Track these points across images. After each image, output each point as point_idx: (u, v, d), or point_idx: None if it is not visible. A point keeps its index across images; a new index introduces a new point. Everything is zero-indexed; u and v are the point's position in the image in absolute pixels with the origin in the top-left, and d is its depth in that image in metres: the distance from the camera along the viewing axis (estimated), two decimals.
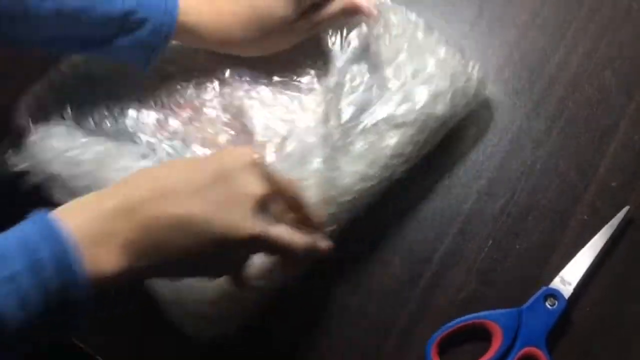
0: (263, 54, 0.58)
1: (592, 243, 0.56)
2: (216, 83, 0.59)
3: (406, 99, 0.55)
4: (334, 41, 0.58)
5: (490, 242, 0.58)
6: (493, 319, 0.54)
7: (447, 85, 0.55)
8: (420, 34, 0.58)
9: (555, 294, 0.54)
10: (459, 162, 0.61)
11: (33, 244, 0.37)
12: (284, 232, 0.44)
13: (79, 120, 0.56)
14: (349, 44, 0.57)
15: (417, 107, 0.55)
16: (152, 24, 0.51)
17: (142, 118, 0.57)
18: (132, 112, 0.57)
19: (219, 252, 0.41)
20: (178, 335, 0.51)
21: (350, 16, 0.57)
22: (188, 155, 0.56)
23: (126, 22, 0.51)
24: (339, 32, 0.58)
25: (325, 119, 0.54)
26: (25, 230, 0.38)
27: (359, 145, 0.54)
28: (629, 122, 0.60)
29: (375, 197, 0.56)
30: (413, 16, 0.59)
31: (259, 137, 0.56)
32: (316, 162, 0.52)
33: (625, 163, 0.59)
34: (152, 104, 0.58)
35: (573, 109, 0.61)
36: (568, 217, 0.58)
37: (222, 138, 0.56)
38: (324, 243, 0.48)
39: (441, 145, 0.60)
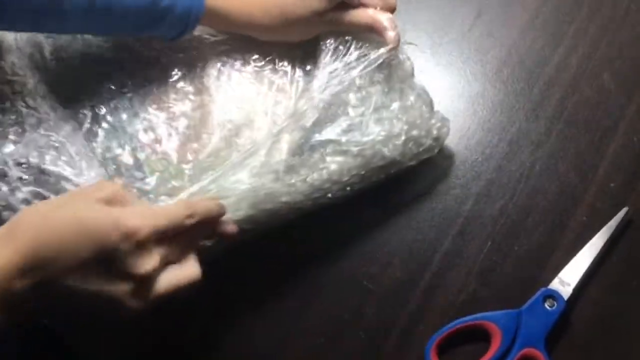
0: (286, 41, 0.58)
1: (591, 244, 0.56)
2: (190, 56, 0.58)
3: (358, 129, 0.55)
4: (331, 45, 0.57)
5: (490, 243, 0.58)
6: (492, 320, 0.54)
7: (404, 130, 0.55)
8: (400, 73, 0.57)
9: (554, 295, 0.54)
10: (457, 162, 0.61)
11: None
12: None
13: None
14: (342, 54, 0.56)
15: (365, 140, 0.54)
16: (182, 8, 0.52)
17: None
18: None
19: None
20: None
21: (373, 33, 0.56)
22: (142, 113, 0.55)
23: (156, 10, 0.52)
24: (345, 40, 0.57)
25: (281, 127, 0.54)
26: None
27: (301, 158, 0.54)
28: (628, 123, 0.60)
29: (295, 214, 0.55)
30: (404, 52, 0.58)
31: (213, 119, 0.55)
32: (257, 162, 0.52)
33: (624, 164, 0.59)
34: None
35: (572, 110, 0.61)
36: (567, 218, 0.58)
37: (178, 108, 0.56)
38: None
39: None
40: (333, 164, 0.54)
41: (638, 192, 0.58)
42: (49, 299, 0.39)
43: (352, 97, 0.55)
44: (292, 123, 0.54)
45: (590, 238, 0.57)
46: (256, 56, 0.58)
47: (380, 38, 0.55)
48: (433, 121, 0.57)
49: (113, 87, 0.57)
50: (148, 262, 0.40)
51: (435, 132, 0.57)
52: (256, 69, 0.58)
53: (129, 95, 0.57)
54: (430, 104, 0.57)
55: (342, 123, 0.55)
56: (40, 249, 0.38)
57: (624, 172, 0.59)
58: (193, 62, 0.58)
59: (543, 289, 0.55)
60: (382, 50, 0.55)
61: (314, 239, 0.58)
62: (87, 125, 0.55)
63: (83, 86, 0.57)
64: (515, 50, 0.63)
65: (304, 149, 0.54)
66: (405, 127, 0.55)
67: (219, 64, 0.58)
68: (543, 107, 0.61)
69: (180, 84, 0.57)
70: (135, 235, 0.40)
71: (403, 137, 0.55)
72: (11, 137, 0.51)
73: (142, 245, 0.40)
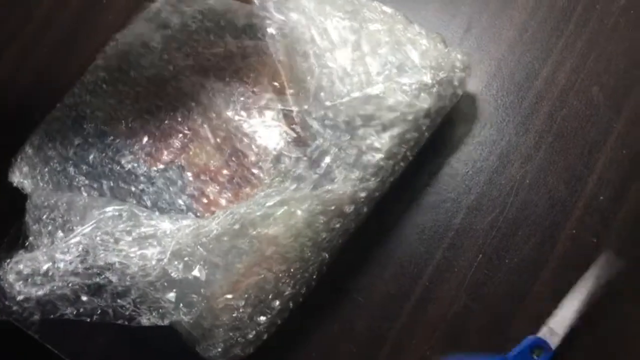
0: None
1: (576, 291, 0.55)
2: (201, 108, 0.58)
3: (391, 95, 0.53)
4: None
5: (481, 256, 0.58)
6: None
7: (433, 76, 0.54)
8: (399, 27, 0.56)
9: (542, 345, 0.53)
10: (448, 176, 0.61)
11: None
12: None
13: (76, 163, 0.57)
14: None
15: (404, 102, 0.53)
16: None
17: (135, 152, 0.57)
18: (124, 151, 0.57)
19: None
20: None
21: None
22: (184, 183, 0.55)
23: None
24: None
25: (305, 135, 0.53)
26: None
27: (350, 152, 0.53)
28: (617, 136, 0.61)
29: (372, 202, 0.55)
30: (389, 9, 0.57)
31: (252, 157, 0.55)
32: (312, 178, 0.51)
33: (613, 178, 0.59)
34: (141, 136, 0.58)
35: (561, 123, 0.62)
36: (558, 232, 0.58)
37: (215, 163, 0.56)
38: None
39: (431, 160, 0.61)
40: (382, 139, 0.52)
41: (627, 206, 0.59)
42: None
43: (371, 68, 0.53)
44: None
45: (579, 250, 0.57)
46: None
47: None
48: (453, 54, 0.55)
49: None
50: None
51: (459, 63, 0.55)
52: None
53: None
54: (442, 41, 0.56)
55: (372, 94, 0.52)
56: None
57: (613, 185, 0.59)
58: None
59: (531, 338, 0.54)
60: None
61: None
62: None
63: None
64: (505, 64, 0.64)
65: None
66: (433, 74, 0.54)
67: None
68: (532, 121, 0.62)
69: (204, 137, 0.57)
70: None
71: (436, 84, 0.53)
72: None
73: None
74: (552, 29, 0.64)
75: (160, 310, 0.49)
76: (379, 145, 0.53)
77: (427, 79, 0.54)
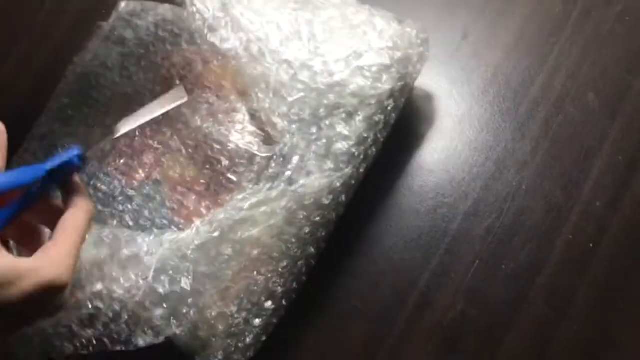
0: None
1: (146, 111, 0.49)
2: (168, 120, 0.57)
3: (353, 80, 0.52)
4: None
5: (477, 262, 0.59)
6: None
7: (391, 56, 0.53)
8: (351, 10, 0.55)
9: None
10: (444, 183, 0.61)
11: None
12: None
13: None
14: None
15: (366, 86, 0.52)
16: None
17: (109, 173, 0.57)
18: (99, 174, 0.57)
19: None
20: None
21: None
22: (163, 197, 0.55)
23: None
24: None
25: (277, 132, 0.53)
26: None
27: (320, 143, 0.52)
28: (613, 142, 0.61)
29: (349, 190, 0.54)
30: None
31: (225, 162, 0.55)
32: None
33: (609, 183, 0.60)
34: (114, 157, 0.57)
35: (557, 129, 0.62)
36: (554, 237, 0.59)
37: (190, 173, 0.55)
38: None
39: (426, 165, 0.61)
40: (349, 125, 0.52)
41: (623, 211, 0.59)
42: None
43: (329, 57, 0.53)
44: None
45: (577, 256, 0.57)
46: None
47: None
48: (408, 30, 0.55)
49: None
50: None
51: (415, 39, 0.55)
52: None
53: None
54: (393, 18, 0.55)
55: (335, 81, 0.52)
56: None
57: (609, 191, 0.59)
58: None
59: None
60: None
61: None
62: None
63: None
64: (501, 70, 0.64)
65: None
66: (392, 54, 0.53)
67: None
68: (529, 127, 0.62)
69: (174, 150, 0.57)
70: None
71: (395, 63, 0.53)
72: None
73: None
74: (548, 35, 0.65)
75: (155, 328, 0.49)
76: (347, 132, 0.52)
77: (386, 60, 0.53)
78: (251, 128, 0.55)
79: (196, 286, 0.49)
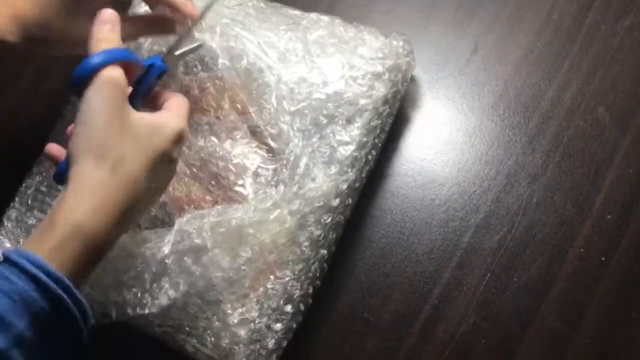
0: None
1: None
2: None
3: (348, 90, 0.56)
4: None
5: (489, 275, 0.59)
6: None
7: (382, 65, 0.57)
8: (340, 29, 0.59)
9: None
10: (456, 197, 0.62)
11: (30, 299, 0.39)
12: None
13: None
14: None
15: (362, 94, 0.56)
16: None
17: None
18: None
19: None
20: None
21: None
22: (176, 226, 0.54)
23: None
24: None
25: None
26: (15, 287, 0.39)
27: (323, 150, 0.55)
28: (623, 156, 0.61)
29: (354, 192, 0.57)
30: (326, 17, 0.60)
31: (232, 177, 0.55)
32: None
33: (620, 196, 0.60)
34: None
35: (568, 143, 0.62)
36: (565, 250, 0.59)
37: (196, 192, 0.56)
38: None
39: (438, 179, 0.62)
40: (351, 131, 0.55)
41: (635, 224, 0.59)
42: None
43: (325, 71, 0.56)
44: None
45: (587, 269, 0.57)
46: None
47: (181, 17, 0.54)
48: (395, 42, 0.58)
49: None
50: None
51: (402, 49, 0.58)
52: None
53: None
54: (379, 32, 0.59)
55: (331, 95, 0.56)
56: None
57: (620, 204, 0.60)
58: None
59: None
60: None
61: None
62: None
63: None
64: (511, 84, 0.65)
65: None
66: (381, 64, 0.57)
67: None
68: (539, 141, 0.62)
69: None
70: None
71: (386, 73, 0.57)
72: None
73: None
74: (557, 49, 0.65)
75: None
76: (348, 138, 0.55)
77: (378, 68, 0.57)
78: (254, 143, 0.56)
79: (215, 295, 0.50)
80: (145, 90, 0.50)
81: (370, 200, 0.62)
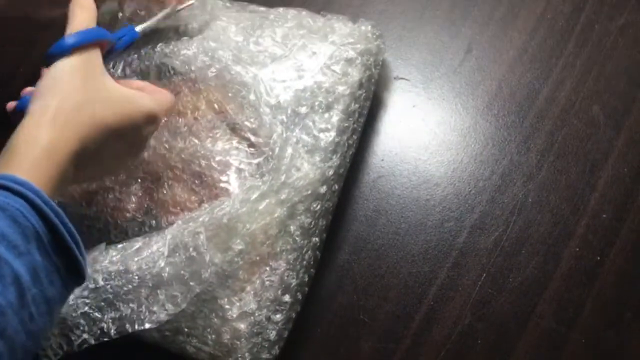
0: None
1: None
2: (150, 150, 0.57)
3: (324, 77, 0.57)
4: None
5: (484, 275, 0.59)
6: None
7: (353, 50, 0.58)
8: (308, 19, 0.60)
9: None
10: (451, 197, 0.62)
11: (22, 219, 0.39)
12: None
13: None
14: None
15: (337, 80, 0.57)
16: None
17: (100, 211, 0.56)
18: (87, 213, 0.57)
19: None
20: None
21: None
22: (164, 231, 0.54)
23: None
24: None
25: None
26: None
27: (305, 138, 0.55)
28: (618, 155, 0.61)
29: (340, 178, 0.57)
30: (292, 10, 0.60)
31: (215, 174, 0.55)
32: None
33: (615, 195, 0.60)
34: (102, 194, 0.57)
35: (562, 142, 0.62)
36: (561, 250, 0.59)
37: (181, 194, 0.55)
38: None
39: (432, 179, 0.61)
40: (332, 116, 0.56)
41: (629, 223, 0.59)
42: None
43: (302, 64, 0.57)
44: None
45: (582, 269, 0.57)
46: None
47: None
48: (363, 27, 0.59)
49: None
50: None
51: (370, 34, 0.59)
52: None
53: None
54: (347, 19, 0.60)
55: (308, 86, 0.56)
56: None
57: (615, 203, 0.60)
58: None
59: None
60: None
61: None
62: None
63: None
64: (505, 84, 0.65)
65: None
66: (352, 50, 0.58)
67: None
68: (534, 140, 0.62)
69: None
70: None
71: (358, 58, 0.58)
72: None
73: None
74: (551, 49, 0.65)
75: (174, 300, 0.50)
76: (328, 125, 0.56)
77: (350, 54, 0.58)
78: (235, 139, 0.56)
79: (210, 292, 0.50)
80: (114, 57, 0.54)
81: (365, 201, 0.62)
